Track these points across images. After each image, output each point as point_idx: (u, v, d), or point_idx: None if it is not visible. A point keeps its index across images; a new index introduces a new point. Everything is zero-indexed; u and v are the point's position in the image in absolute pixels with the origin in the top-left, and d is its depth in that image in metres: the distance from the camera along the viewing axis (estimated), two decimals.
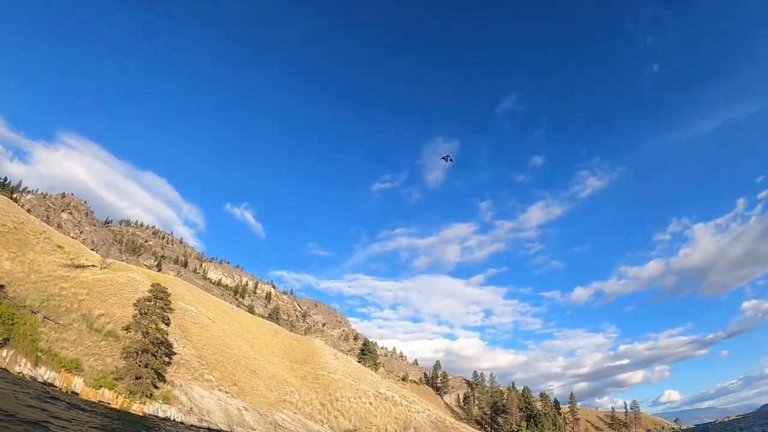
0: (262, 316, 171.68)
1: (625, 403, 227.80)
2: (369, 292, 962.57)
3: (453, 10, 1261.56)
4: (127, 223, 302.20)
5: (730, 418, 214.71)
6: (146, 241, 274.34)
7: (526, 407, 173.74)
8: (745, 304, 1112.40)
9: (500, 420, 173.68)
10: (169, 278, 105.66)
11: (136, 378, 45.00)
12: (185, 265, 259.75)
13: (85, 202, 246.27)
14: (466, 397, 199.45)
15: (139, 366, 46.11)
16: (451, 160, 51.36)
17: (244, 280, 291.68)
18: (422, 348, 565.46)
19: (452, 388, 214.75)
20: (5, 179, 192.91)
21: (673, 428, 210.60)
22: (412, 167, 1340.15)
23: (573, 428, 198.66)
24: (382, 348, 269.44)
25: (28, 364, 39.21)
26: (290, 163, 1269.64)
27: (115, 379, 44.50)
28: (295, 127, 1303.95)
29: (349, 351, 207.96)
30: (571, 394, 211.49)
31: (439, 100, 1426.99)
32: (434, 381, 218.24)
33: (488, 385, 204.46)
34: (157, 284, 55.54)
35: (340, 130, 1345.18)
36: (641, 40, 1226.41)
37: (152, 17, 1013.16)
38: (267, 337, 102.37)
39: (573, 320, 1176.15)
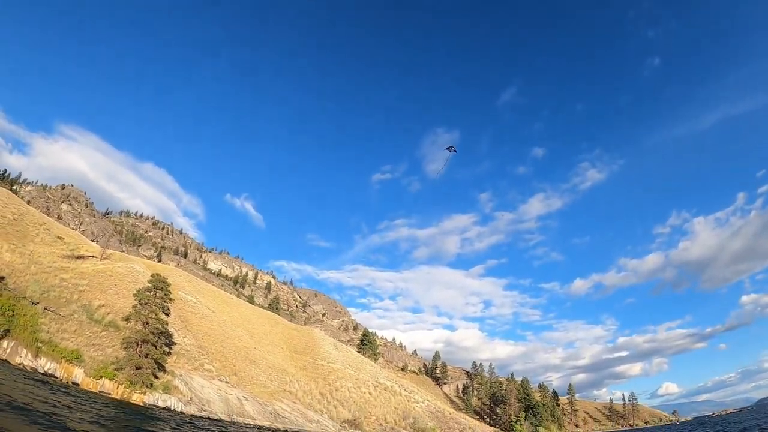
0: (262, 307, 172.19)
1: (623, 395, 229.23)
2: (369, 283, 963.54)
3: (454, 1, 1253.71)
4: (127, 214, 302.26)
5: (728, 412, 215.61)
6: (146, 232, 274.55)
7: (524, 398, 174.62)
8: (744, 298, 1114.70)
9: (499, 410, 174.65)
10: (169, 269, 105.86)
11: (137, 368, 45.20)
12: (185, 256, 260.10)
13: (85, 194, 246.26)
14: (465, 388, 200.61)
15: (140, 356, 46.31)
16: (455, 150, 51.39)
17: (244, 270, 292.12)
18: (422, 338, 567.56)
19: (451, 378, 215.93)
20: (5, 171, 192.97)
21: (670, 421, 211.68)
22: (412, 158, 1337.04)
23: (571, 419, 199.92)
24: (381, 338, 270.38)
25: (29, 355, 39.40)
26: (290, 153, 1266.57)
27: (115, 369, 44.71)
28: (294, 118, 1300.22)
29: (348, 341, 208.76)
30: (570, 385, 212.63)
31: (439, 91, 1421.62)
32: (433, 371, 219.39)
33: (487, 375, 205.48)
34: (157, 274, 55.62)
35: (340, 121, 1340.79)
36: (642, 33, 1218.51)
37: (150, 8, 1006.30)
38: (267, 327, 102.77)
39: (572, 312, 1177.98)
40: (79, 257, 73.60)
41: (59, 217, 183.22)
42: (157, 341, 49.49)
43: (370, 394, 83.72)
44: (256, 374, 69.45)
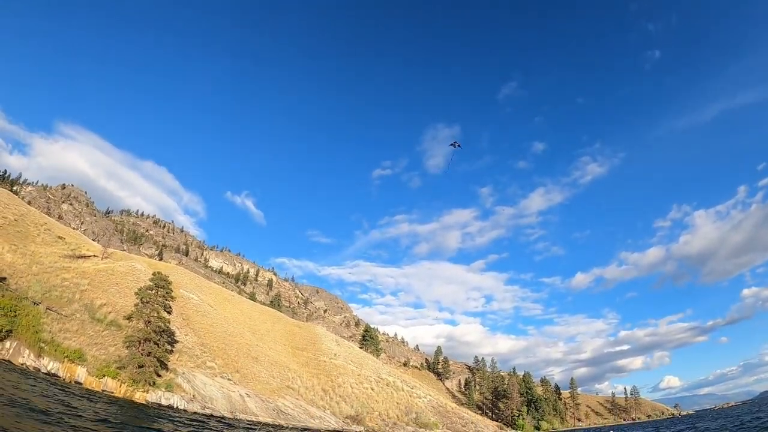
0: (264, 304, 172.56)
1: (625, 388, 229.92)
2: (370, 279, 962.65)
3: None
4: (128, 212, 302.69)
5: (729, 405, 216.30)
6: (147, 231, 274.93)
7: (526, 392, 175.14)
8: (745, 292, 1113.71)
9: (501, 405, 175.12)
10: (170, 267, 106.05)
11: (139, 366, 45.36)
12: (186, 254, 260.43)
13: (86, 193, 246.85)
14: (467, 383, 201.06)
15: (142, 354, 46.48)
16: (459, 145, 51.77)
17: (246, 267, 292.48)
18: (423, 334, 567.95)
19: (453, 373, 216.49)
20: (5, 172, 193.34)
21: (672, 414, 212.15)
22: (413, 153, 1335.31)
23: (573, 413, 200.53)
24: (383, 334, 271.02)
25: (31, 355, 39.57)
26: (290, 150, 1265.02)
27: (118, 368, 44.91)
28: (294, 115, 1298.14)
29: (350, 337, 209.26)
30: (572, 379, 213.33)
31: (439, 86, 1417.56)
32: (435, 366, 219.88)
33: (489, 370, 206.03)
34: (159, 273, 55.74)
35: (340, 117, 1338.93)
36: (642, 26, 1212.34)
37: (150, 6, 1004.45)
38: (269, 324, 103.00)
39: (573, 306, 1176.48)
40: (80, 257, 73.77)
41: (60, 217, 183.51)
42: (159, 339, 49.67)
43: (372, 389, 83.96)
44: (259, 371, 69.67)
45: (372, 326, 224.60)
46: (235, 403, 53.81)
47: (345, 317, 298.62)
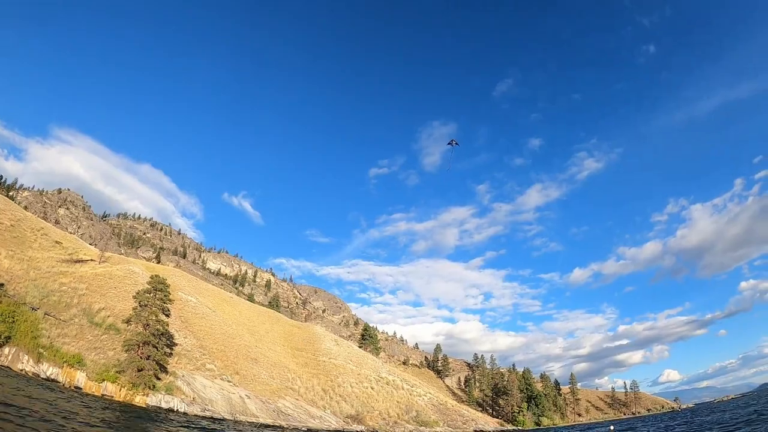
0: (262, 305, 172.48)
1: (624, 383, 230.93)
2: (369, 278, 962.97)
3: None
4: (125, 216, 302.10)
5: (729, 398, 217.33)
6: (144, 234, 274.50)
7: (526, 388, 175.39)
8: (743, 284, 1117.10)
9: (501, 402, 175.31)
10: (168, 269, 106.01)
11: (139, 370, 45.42)
12: (184, 256, 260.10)
13: (82, 197, 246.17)
14: (467, 380, 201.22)
15: (141, 358, 46.53)
16: (456, 143, 52.15)
17: (244, 268, 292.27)
18: (423, 332, 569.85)
19: (453, 371, 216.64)
20: (1, 177, 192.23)
21: (672, 408, 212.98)
22: (410, 152, 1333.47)
23: (574, 409, 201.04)
24: (382, 333, 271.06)
25: (31, 360, 39.59)
26: (286, 150, 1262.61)
27: (117, 372, 44.93)
28: (290, 114, 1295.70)
29: (349, 336, 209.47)
30: (572, 374, 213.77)
31: (435, 84, 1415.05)
32: (435, 364, 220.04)
33: (489, 367, 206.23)
34: (156, 276, 55.77)
35: (336, 116, 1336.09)
36: (637, 20, 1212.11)
37: (144, 10, 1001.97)
38: (267, 325, 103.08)
39: (572, 302, 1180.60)
40: (77, 261, 73.70)
41: (57, 222, 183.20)
42: (158, 343, 49.71)
43: (372, 388, 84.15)
44: (258, 372, 69.76)
45: (371, 325, 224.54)
46: (235, 404, 53.91)
47: (344, 317, 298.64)
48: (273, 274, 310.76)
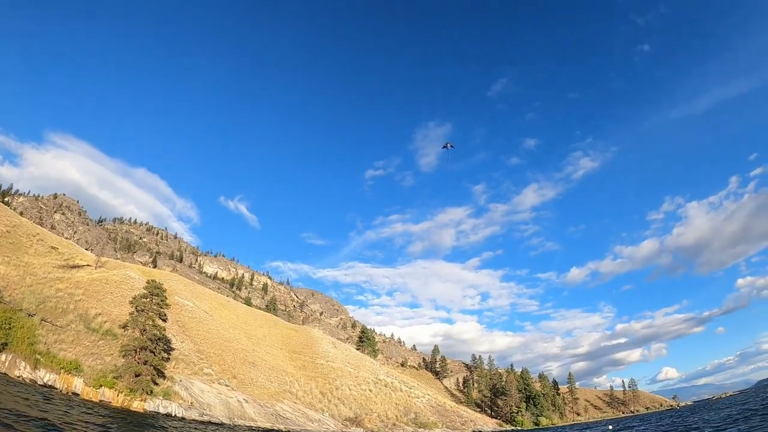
0: (259, 308, 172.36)
1: (623, 381, 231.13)
2: (366, 280, 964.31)
3: None
4: (121, 220, 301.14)
5: (727, 394, 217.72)
6: (141, 238, 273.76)
7: (525, 388, 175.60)
8: (740, 281, 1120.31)
9: (500, 402, 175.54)
10: (164, 274, 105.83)
11: (136, 375, 45.36)
12: (181, 260, 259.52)
13: (78, 202, 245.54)
14: (465, 381, 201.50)
15: (138, 363, 46.46)
16: (452, 146, 52.40)
17: (240, 272, 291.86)
18: (420, 333, 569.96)
19: (451, 372, 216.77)
20: None
21: (671, 405, 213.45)
22: (405, 153, 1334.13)
23: (572, 408, 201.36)
24: (380, 335, 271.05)
25: (28, 367, 39.50)
26: (282, 152, 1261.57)
27: (114, 377, 44.85)
28: (285, 117, 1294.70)
29: (347, 339, 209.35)
30: (570, 374, 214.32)
31: (430, 84, 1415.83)
32: (433, 366, 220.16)
33: (487, 367, 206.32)
34: (153, 281, 55.70)
35: (331, 118, 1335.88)
36: (631, 19, 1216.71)
37: (138, 15, 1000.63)
38: (265, 328, 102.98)
39: (569, 301, 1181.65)
40: (74, 267, 73.54)
41: (52, 227, 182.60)
42: (155, 348, 49.65)
43: (370, 391, 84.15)
44: (256, 376, 69.70)
45: (368, 327, 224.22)
46: (233, 409, 53.86)
47: (341, 319, 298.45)
48: (270, 278, 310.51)
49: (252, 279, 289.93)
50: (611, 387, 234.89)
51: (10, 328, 41.21)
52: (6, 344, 39.46)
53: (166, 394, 48.19)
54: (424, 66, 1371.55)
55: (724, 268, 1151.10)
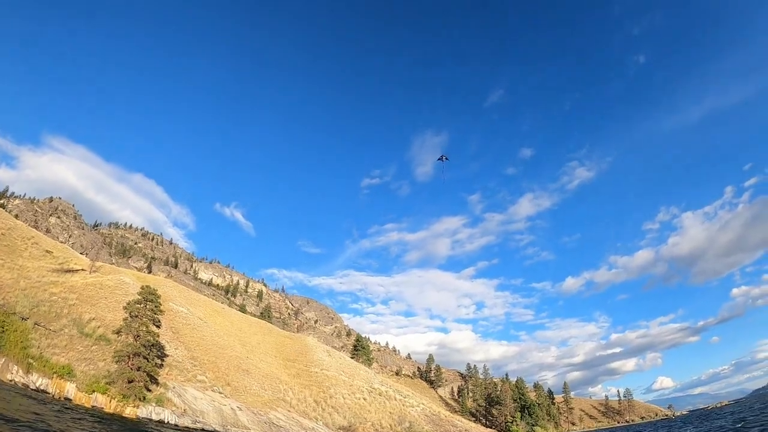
0: (254, 315, 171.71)
1: (618, 391, 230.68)
2: (361, 288, 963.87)
3: (440, 4, 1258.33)
4: (116, 225, 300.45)
5: (723, 404, 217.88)
6: (136, 243, 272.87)
7: (519, 398, 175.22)
8: (735, 291, 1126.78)
9: (495, 411, 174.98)
10: (159, 280, 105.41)
11: (129, 381, 45.04)
12: (176, 266, 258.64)
13: (74, 206, 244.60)
14: (460, 390, 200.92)
15: (131, 369, 46.16)
16: (447, 159, 52.73)
17: (236, 279, 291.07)
18: (415, 342, 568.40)
19: (446, 381, 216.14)
20: None
21: (666, 415, 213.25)
22: (401, 162, 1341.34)
23: (567, 417, 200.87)
24: (375, 343, 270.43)
25: (20, 371, 39.19)
26: (279, 160, 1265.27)
27: (107, 383, 44.52)
28: (282, 125, 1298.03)
29: (341, 347, 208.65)
30: (565, 383, 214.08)
31: (426, 94, 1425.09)
32: (428, 375, 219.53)
33: (482, 377, 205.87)
34: (147, 286, 55.47)
35: (328, 127, 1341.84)
36: (627, 30, 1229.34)
37: (136, 20, 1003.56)
38: (259, 335, 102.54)
39: (564, 310, 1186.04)
40: (68, 271, 73.17)
41: (48, 231, 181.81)
42: (148, 354, 49.35)
43: (364, 399, 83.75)
44: (250, 384, 69.32)
45: (363, 336, 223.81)
46: (226, 416, 53.52)
47: (336, 327, 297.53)
48: (265, 285, 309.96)
49: (247, 286, 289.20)
50: (606, 397, 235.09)
51: (3, 331, 40.97)
52: None
53: (159, 401, 47.86)
54: (421, 75, 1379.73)
55: (719, 278, 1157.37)
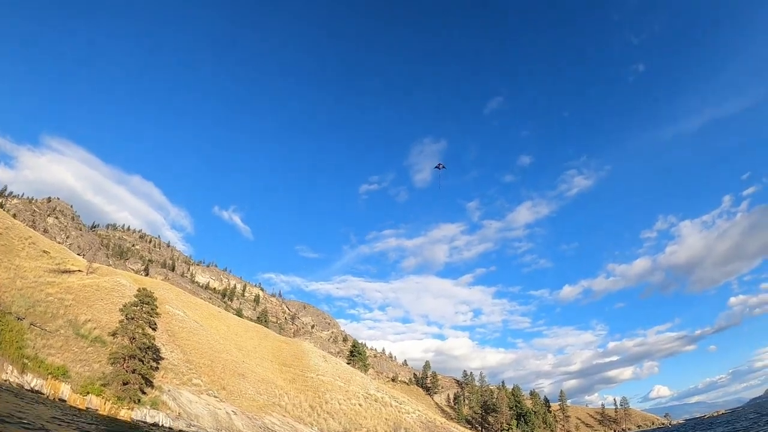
0: (251, 319, 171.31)
1: (614, 399, 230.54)
2: (358, 294, 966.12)
3: (439, 11, 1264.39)
4: (114, 227, 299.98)
5: (720, 413, 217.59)
6: (133, 245, 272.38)
7: (516, 406, 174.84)
8: (732, 300, 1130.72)
9: (490, 419, 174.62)
10: (156, 282, 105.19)
11: (124, 384, 44.89)
12: (173, 269, 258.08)
13: (72, 207, 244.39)
14: (456, 397, 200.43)
15: (127, 371, 46.02)
16: (443, 167, 52.92)
17: (233, 283, 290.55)
18: (412, 348, 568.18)
19: (442, 388, 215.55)
20: None
21: (662, 424, 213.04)
22: (400, 168, 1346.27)
23: (563, 426, 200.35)
24: (371, 349, 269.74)
25: (15, 371, 39.02)
26: (277, 165, 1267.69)
27: (102, 385, 44.36)
28: (282, 130, 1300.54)
29: (338, 353, 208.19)
30: (561, 391, 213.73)
31: (426, 101, 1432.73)
32: (424, 381, 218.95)
33: (478, 384, 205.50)
34: (144, 289, 55.40)
35: (327, 132, 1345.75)
36: (626, 39, 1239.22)
37: (135, 24, 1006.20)
38: (255, 340, 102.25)
39: (562, 318, 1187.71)
40: (65, 271, 73.00)
41: (45, 231, 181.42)
42: (144, 356, 49.22)
43: (360, 405, 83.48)
44: (245, 388, 69.07)
45: (360, 341, 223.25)
46: (221, 420, 53.32)
47: (332, 333, 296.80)
48: (262, 289, 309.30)
49: (244, 290, 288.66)
50: (603, 405, 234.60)
51: None
52: None
53: (154, 404, 47.68)
54: (420, 81, 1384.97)
55: (717, 287, 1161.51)
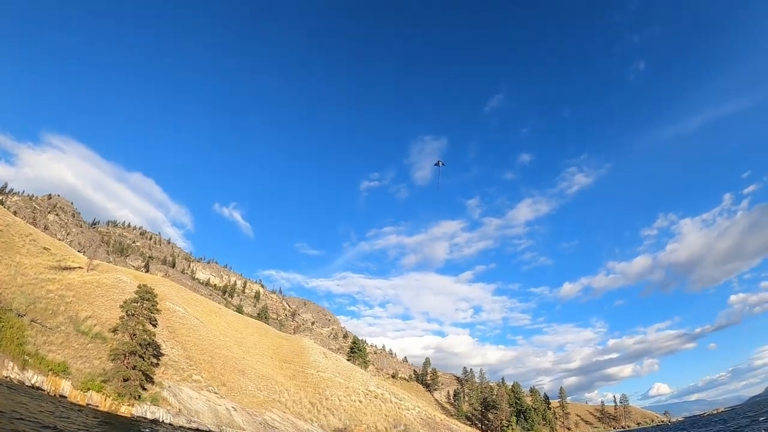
0: (251, 316, 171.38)
1: (614, 396, 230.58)
2: (358, 291, 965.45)
3: (440, 9, 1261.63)
4: (115, 224, 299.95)
5: (719, 411, 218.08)
6: (134, 242, 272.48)
7: (516, 402, 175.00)
8: (733, 298, 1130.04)
9: (490, 416, 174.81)
10: (156, 279, 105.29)
11: (124, 380, 44.99)
12: (173, 266, 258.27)
13: (72, 204, 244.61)
14: (456, 394, 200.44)
15: (127, 368, 46.10)
16: (443, 164, 52.81)
17: (233, 279, 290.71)
18: (412, 345, 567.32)
19: (442, 384, 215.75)
20: None
21: (662, 421, 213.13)
22: (400, 165, 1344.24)
23: (563, 423, 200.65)
24: (371, 346, 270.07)
25: (15, 367, 39.12)
26: (278, 162, 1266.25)
27: (102, 381, 44.48)
28: (282, 127, 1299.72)
29: (338, 349, 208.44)
30: (561, 388, 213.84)
31: (427, 98, 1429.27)
32: (424, 378, 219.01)
33: (478, 381, 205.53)
34: (144, 285, 55.43)
35: (328, 129, 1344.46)
36: (627, 38, 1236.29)
37: (136, 21, 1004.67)
38: (256, 336, 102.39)
39: (562, 315, 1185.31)
40: (65, 268, 73.12)
41: (46, 228, 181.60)
42: (144, 353, 49.31)
43: (360, 402, 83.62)
44: (245, 384, 69.20)
45: (360, 338, 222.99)
46: (221, 416, 53.45)
47: (333, 329, 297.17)
48: (262, 286, 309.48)
49: (244, 287, 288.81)
50: (603, 402, 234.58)
51: (0, 328, 40.91)
52: None
53: (154, 400, 47.80)
54: (421, 79, 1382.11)
55: (717, 285, 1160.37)
